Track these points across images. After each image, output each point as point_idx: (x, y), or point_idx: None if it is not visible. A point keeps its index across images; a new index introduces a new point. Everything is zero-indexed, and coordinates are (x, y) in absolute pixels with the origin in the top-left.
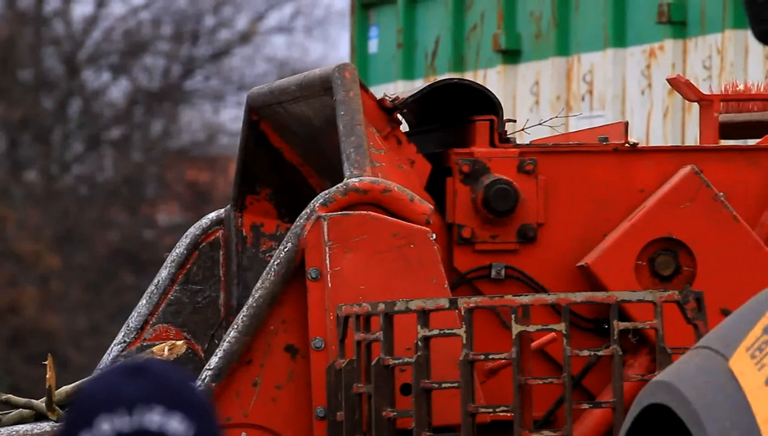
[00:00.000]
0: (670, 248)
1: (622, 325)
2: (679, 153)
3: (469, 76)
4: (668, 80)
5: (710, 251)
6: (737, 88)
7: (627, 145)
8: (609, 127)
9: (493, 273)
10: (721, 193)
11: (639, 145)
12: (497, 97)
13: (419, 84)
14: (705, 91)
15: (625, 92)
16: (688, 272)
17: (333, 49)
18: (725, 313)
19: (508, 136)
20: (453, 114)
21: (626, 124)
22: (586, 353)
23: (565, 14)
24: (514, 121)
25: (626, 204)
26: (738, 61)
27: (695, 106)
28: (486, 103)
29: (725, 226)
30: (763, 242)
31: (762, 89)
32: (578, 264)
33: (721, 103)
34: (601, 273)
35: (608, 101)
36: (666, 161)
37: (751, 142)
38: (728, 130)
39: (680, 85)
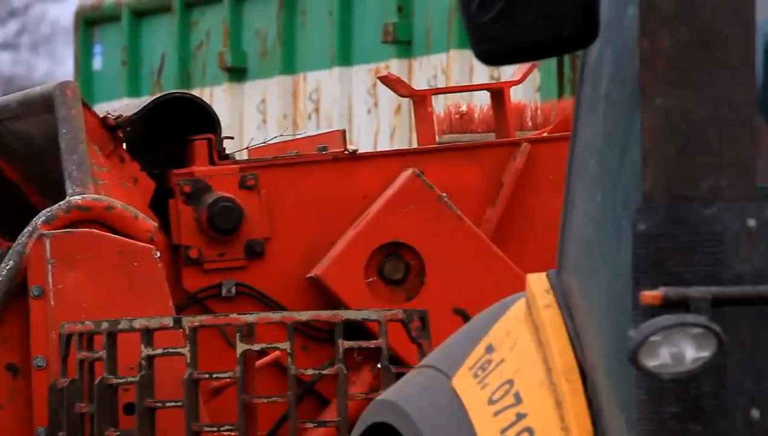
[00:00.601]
0: (397, 252)
1: (347, 344)
2: (399, 157)
3: (195, 93)
4: (379, 78)
5: (437, 252)
6: (461, 109)
7: (346, 152)
8: (327, 135)
9: (224, 291)
10: (444, 194)
11: (358, 152)
12: (223, 114)
13: (145, 101)
14: (431, 110)
15: (352, 111)
16: (418, 275)
17: (59, 66)
18: (458, 312)
19: (230, 153)
20: (177, 131)
21: (344, 132)
22: (311, 371)
23: (291, 33)
24: (232, 138)
25: (350, 212)
26: (463, 81)
27: None
28: (207, 119)
29: (450, 226)
30: (489, 238)
31: (486, 110)
32: (308, 275)
33: (447, 124)
34: (332, 283)
35: (335, 120)
36: (387, 166)
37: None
38: None
39: (391, 83)
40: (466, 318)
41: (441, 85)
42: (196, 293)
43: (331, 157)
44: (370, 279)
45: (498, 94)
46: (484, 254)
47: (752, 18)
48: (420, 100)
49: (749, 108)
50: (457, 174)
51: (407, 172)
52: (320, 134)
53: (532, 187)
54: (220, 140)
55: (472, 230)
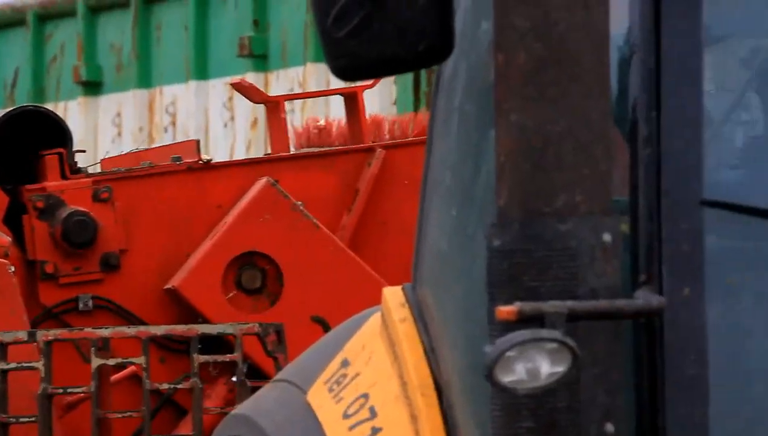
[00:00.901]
0: (254, 262)
1: (203, 358)
2: (253, 165)
3: (49, 107)
4: (232, 85)
5: (295, 260)
6: (319, 123)
7: (200, 162)
8: (181, 145)
9: (81, 305)
10: (300, 202)
11: (213, 162)
12: (78, 128)
13: None
14: (288, 125)
15: (208, 124)
16: (275, 284)
17: None
18: (316, 320)
19: (83, 167)
20: (30, 145)
21: (198, 141)
22: (166, 386)
23: (146, 46)
24: (84, 151)
25: (206, 222)
26: None
27: None
28: (60, 133)
29: (306, 234)
30: (346, 245)
31: (344, 124)
32: (165, 287)
33: (305, 138)
34: (189, 294)
35: (192, 133)
36: (241, 175)
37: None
38: None
39: (245, 90)
40: (325, 326)
41: (298, 100)
42: (52, 307)
43: (185, 168)
44: (231, 294)
45: (352, 99)
46: (342, 261)
47: (606, 33)
48: (273, 106)
49: (604, 123)
50: (313, 182)
51: (261, 181)
52: (174, 144)
53: (387, 192)
54: (72, 154)
55: (329, 238)
